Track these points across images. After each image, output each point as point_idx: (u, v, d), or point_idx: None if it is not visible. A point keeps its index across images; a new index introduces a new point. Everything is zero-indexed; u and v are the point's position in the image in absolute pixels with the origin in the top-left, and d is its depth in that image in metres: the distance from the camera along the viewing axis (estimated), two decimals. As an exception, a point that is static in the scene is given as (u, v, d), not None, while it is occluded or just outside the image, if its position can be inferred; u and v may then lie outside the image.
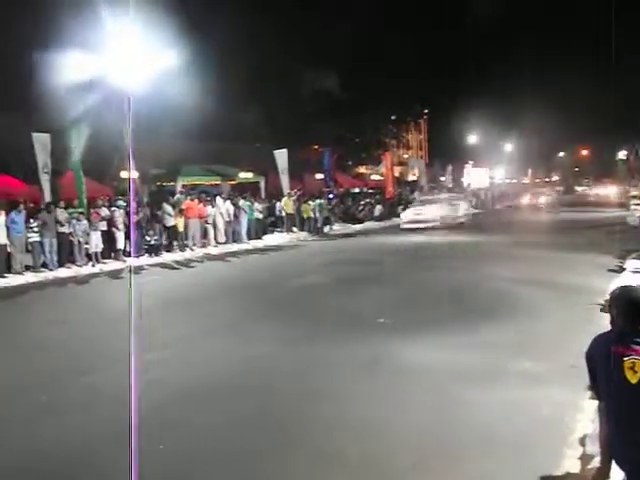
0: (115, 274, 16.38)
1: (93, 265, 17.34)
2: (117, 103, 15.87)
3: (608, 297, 3.49)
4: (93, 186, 21.93)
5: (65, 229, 17.05)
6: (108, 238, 18.13)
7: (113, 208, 18.63)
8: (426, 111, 57.74)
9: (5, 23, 20.54)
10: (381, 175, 43.10)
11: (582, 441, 5.07)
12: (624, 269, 9.87)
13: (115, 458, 5.06)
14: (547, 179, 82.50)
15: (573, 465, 4.75)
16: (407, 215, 28.63)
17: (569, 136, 73.36)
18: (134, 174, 21.56)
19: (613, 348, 3.07)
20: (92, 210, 18.14)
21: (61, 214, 17.10)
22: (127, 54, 15.51)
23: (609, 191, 52.05)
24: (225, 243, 21.80)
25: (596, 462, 4.12)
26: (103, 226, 17.97)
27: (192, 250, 20.39)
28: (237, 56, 27.74)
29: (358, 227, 29.74)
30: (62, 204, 17.55)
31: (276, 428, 5.79)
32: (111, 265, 17.56)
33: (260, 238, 23.51)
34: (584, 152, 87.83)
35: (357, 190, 39.69)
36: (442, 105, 48.50)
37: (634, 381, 2.96)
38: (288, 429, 5.77)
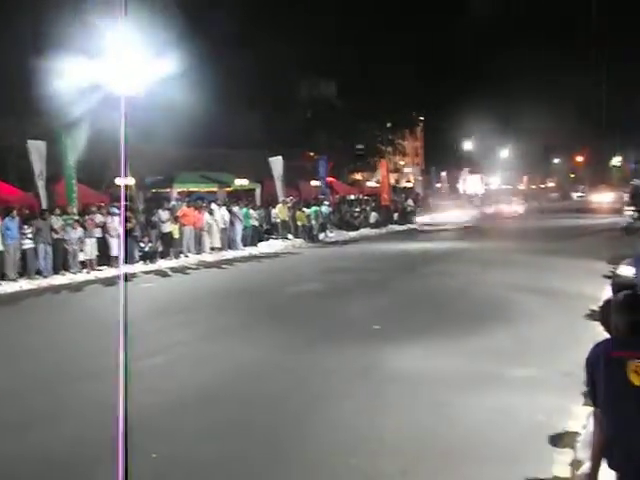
0: (109, 281, 16.29)
1: (88, 272, 17.30)
2: (113, 109, 15.87)
3: (601, 305, 3.48)
4: (89, 193, 21.88)
5: (60, 236, 17.00)
6: (103, 245, 18.10)
7: (107, 215, 18.57)
8: (422, 118, 57.84)
9: (2, 26, 20.53)
10: (377, 182, 43.14)
11: (573, 447, 5.08)
12: (617, 275, 9.85)
13: (105, 466, 5.02)
14: (542, 185, 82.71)
15: (563, 471, 4.76)
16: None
17: (565, 142, 73.67)
18: (130, 181, 21.48)
19: (615, 352, 3.08)
20: (87, 217, 18.09)
21: (56, 221, 17.03)
22: (123, 59, 15.50)
23: (605, 197, 51.94)
24: (220, 250, 21.76)
25: (586, 468, 4.13)
26: (98, 233, 17.93)
27: (187, 257, 20.36)
28: (232, 62, 27.79)
29: (353, 234, 29.69)
30: (57, 211, 17.44)
31: (267, 435, 5.78)
32: (106, 272, 17.49)
33: (255, 245, 23.46)
34: (579, 158, 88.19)
35: (353, 197, 39.72)
36: (438, 112, 48.66)
37: (638, 383, 2.98)
38: (279, 436, 5.75)
